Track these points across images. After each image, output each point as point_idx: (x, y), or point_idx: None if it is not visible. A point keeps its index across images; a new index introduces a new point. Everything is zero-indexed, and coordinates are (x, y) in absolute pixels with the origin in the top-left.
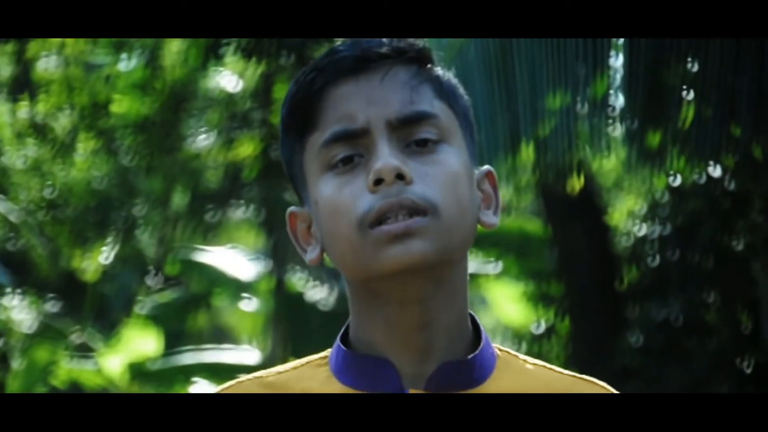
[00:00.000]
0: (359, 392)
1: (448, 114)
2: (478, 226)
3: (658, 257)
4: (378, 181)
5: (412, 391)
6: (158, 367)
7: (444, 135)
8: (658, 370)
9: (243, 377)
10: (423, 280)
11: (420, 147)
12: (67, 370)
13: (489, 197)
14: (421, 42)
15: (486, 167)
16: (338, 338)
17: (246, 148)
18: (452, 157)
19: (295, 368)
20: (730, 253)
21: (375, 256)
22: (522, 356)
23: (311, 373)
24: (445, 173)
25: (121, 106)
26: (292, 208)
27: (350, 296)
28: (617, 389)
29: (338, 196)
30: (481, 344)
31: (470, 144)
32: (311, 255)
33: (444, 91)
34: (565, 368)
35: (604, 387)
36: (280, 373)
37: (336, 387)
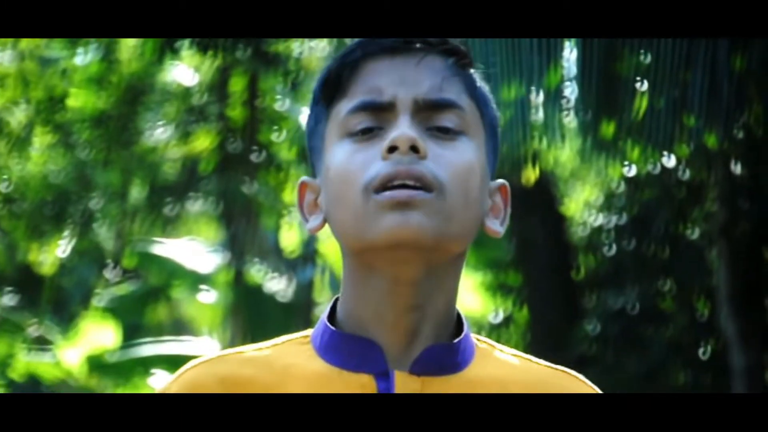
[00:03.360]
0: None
1: (474, 111)
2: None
3: (614, 246)
4: (392, 149)
5: (397, 372)
6: (117, 360)
7: (466, 128)
8: (615, 357)
9: (223, 351)
10: (417, 263)
11: (441, 133)
12: (25, 362)
13: (498, 209)
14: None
15: (501, 180)
16: (324, 316)
17: (203, 141)
18: (470, 150)
19: (275, 345)
20: (685, 241)
21: (374, 222)
22: (499, 346)
23: (293, 351)
24: (460, 160)
25: (78, 100)
26: (304, 178)
27: (346, 271)
28: None
29: (350, 161)
30: (464, 332)
31: (491, 153)
32: (313, 224)
33: (475, 92)
34: None
35: (579, 378)
36: (259, 349)
37: (319, 365)
